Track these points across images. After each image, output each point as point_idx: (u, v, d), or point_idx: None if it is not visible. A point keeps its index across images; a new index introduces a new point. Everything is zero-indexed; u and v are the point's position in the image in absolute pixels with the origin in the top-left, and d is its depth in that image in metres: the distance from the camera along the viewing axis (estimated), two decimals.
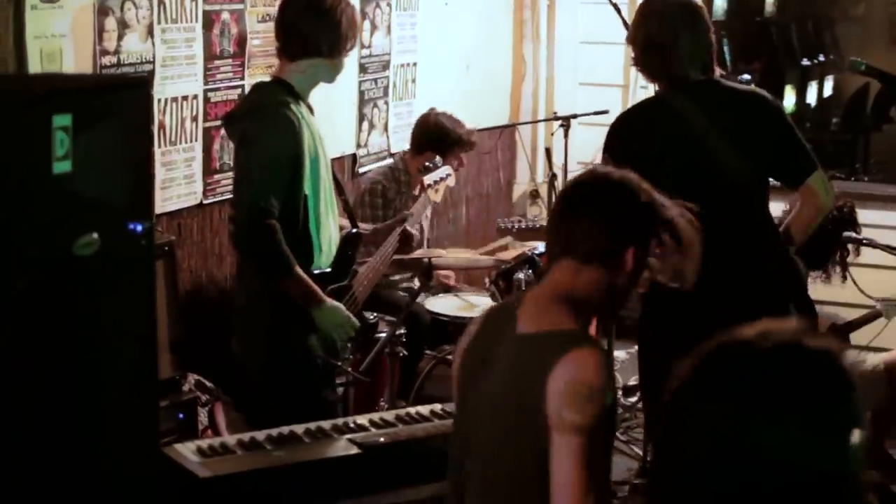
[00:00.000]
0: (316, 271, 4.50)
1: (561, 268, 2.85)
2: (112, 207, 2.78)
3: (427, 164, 5.46)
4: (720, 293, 4.12)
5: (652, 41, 4.44)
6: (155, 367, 2.98)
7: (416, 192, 6.08)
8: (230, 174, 5.49)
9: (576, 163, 7.19)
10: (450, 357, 5.46)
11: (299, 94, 4.54)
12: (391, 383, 5.13)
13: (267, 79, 4.86)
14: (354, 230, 4.70)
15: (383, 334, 5.02)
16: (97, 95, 2.77)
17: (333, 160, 5.96)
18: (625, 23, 5.85)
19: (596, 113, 6.66)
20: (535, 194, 7.98)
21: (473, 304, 6.09)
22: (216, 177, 5.49)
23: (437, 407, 4.14)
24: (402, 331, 5.12)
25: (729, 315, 4.48)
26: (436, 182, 5.39)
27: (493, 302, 5.68)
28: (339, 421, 3.98)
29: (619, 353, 6.59)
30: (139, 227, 2.85)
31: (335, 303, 4.50)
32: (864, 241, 5.65)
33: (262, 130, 4.39)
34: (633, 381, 6.88)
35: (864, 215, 6.23)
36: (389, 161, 6.61)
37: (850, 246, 5.78)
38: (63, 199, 2.63)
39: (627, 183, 2.86)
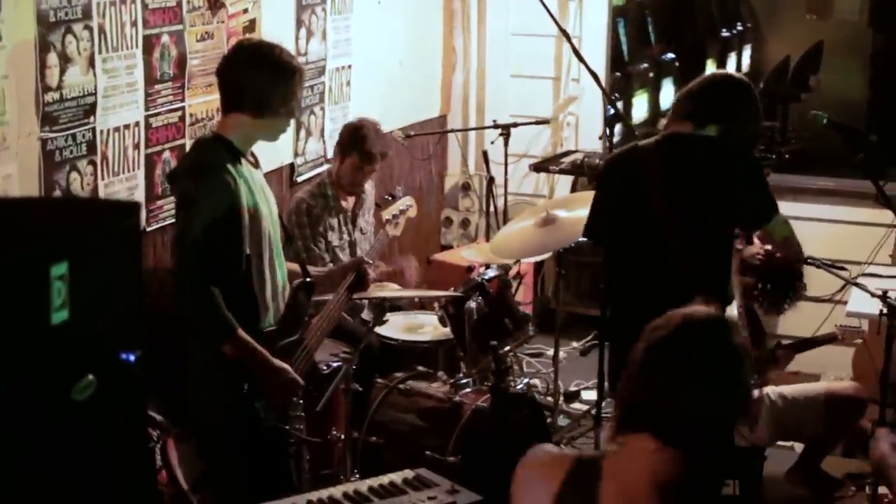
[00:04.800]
0: (266, 329, 4.42)
1: (638, 444, 2.46)
2: (106, 344, 2.72)
3: (385, 196, 5.35)
4: None
5: (711, 112, 4.53)
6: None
7: (347, 209, 6.00)
8: (172, 199, 5.39)
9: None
10: (401, 385, 5.43)
11: (239, 151, 4.41)
12: (345, 415, 5.09)
13: (208, 133, 4.72)
14: (306, 280, 4.57)
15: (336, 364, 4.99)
16: (90, 230, 2.69)
17: (271, 172, 5.89)
18: (551, 15, 5.83)
19: (536, 122, 6.62)
20: (466, 186, 7.94)
21: (419, 323, 6.06)
22: (159, 202, 5.38)
23: (409, 474, 4.09)
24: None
25: None
26: (395, 216, 5.29)
27: (441, 325, 5.65)
28: (314, 497, 3.90)
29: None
30: (131, 357, 2.78)
31: (281, 364, 4.39)
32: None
33: (196, 193, 4.29)
34: (574, 387, 6.91)
35: (796, 208, 6.31)
36: (326, 168, 6.52)
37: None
38: (61, 348, 2.56)
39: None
